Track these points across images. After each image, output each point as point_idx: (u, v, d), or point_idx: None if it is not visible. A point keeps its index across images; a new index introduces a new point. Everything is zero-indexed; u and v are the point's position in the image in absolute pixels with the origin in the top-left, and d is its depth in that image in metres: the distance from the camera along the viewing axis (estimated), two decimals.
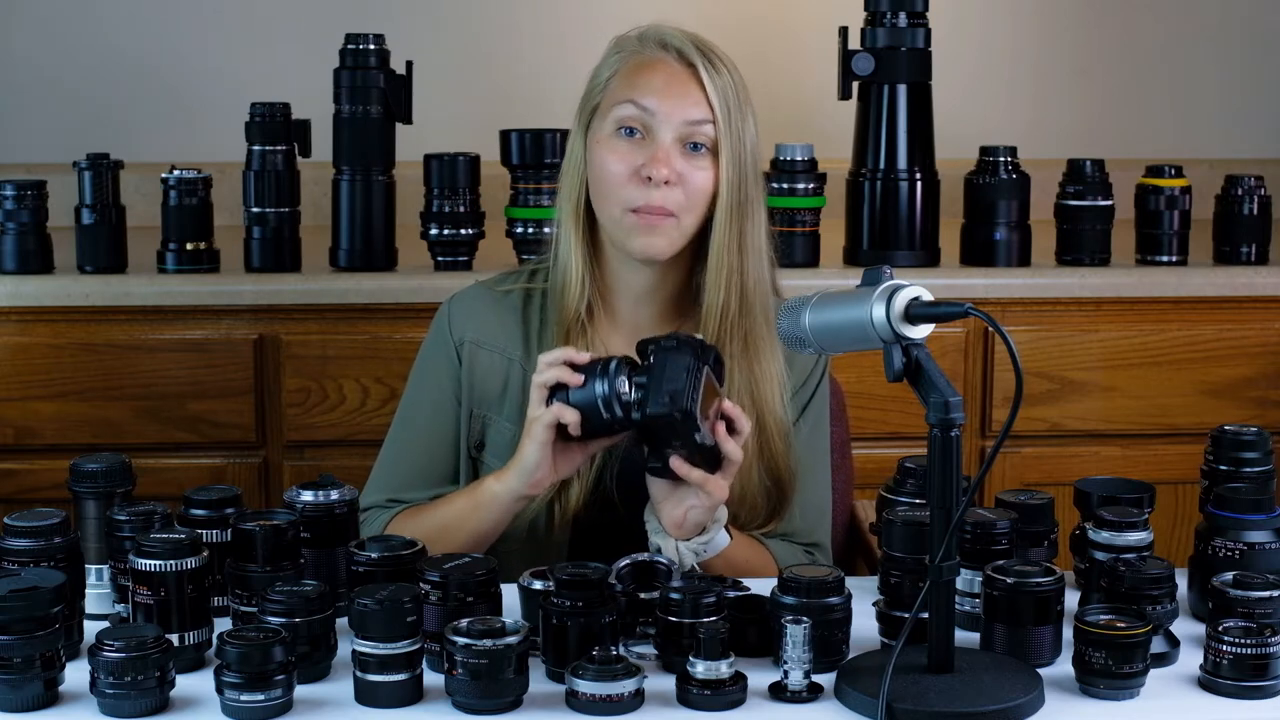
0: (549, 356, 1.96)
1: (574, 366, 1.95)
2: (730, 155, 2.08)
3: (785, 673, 1.69)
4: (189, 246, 2.96)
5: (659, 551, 1.98)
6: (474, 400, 2.19)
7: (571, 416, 1.93)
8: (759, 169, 2.13)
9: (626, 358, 1.95)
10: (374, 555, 1.82)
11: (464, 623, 1.66)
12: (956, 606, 1.73)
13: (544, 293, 2.21)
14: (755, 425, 2.10)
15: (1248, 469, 2.00)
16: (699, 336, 1.95)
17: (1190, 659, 1.79)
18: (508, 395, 2.17)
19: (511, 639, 1.64)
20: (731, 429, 1.94)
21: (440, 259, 3.01)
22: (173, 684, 1.66)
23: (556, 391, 1.95)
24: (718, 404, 1.94)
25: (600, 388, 1.92)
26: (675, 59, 2.10)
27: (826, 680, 1.71)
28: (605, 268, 2.18)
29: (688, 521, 1.97)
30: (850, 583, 1.83)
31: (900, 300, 1.67)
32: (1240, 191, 3.09)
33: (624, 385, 1.92)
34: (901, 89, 3.06)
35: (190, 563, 1.74)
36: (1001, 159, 3.08)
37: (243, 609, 1.79)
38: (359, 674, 1.67)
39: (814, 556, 2.18)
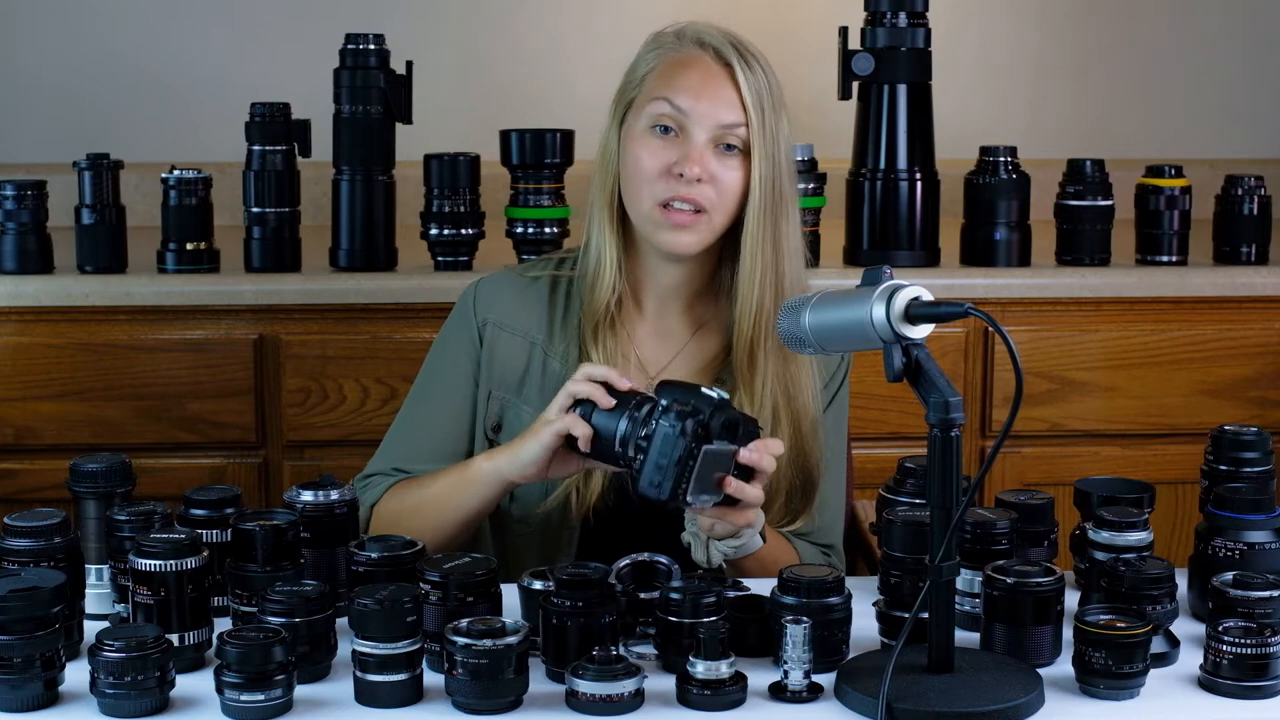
0: (593, 370, 1.95)
1: (611, 391, 1.93)
2: (763, 154, 2.09)
3: (785, 673, 1.69)
4: (189, 246, 2.95)
5: (690, 548, 1.99)
6: (493, 382, 2.19)
7: (582, 431, 1.92)
8: (793, 168, 2.15)
9: (662, 401, 1.89)
10: (374, 555, 1.82)
11: (464, 623, 1.66)
12: (956, 606, 1.73)
13: (571, 281, 2.22)
14: (791, 426, 2.13)
15: (1248, 469, 2.00)
16: (716, 395, 1.87)
17: (1190, 659, 1.79)
18: (528, 379, 2.18)
19: (511, 639, 1.64)
20: (753, 475, 1.91)
21: (440, 259, 3.01)
22: (173, 684, 1.66)
23: (583, 404, 1.94)
24: (733, 455, 1.88)
25: (624, 425, 1.89)
26: (712, 57, 2.11)
27: (826, 680, 1.71)
28: (635, 261, 2.19)
29: (715, 529, 1.97)
30: (850, 583, 1.83)
31: (900, 300, 1.67)
32: (1240, 191, 3.09)
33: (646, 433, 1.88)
34: (901, 89, 3.05)
35: (190, 563, 1.74)
36: (1001, 159, 3.08)
37: (243, 609, 1.79)
38: (359, 674, 1.67)
39: (829, 558, 2.19)
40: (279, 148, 2.96)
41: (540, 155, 2.98)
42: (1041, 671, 1.73)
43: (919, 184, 3.08)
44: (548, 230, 2.98)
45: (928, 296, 1.68)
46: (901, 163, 3.07)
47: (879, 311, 1.67)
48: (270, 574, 1.79)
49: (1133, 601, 1.78)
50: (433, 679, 1.70)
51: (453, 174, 2.99)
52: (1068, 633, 1.78)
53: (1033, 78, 3.82)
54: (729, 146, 2.09)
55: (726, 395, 1.89)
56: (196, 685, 1.71)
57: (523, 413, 2.17)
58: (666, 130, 2.10)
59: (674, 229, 2.09)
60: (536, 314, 2.20)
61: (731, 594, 1.83)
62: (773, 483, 2.05)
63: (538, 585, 1.81)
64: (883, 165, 3.07)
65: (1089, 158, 3.10)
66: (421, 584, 1.74)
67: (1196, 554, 1.93)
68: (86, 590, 1.88)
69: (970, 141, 3.22)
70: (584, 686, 1.65)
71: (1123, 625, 1.71)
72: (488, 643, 1.63)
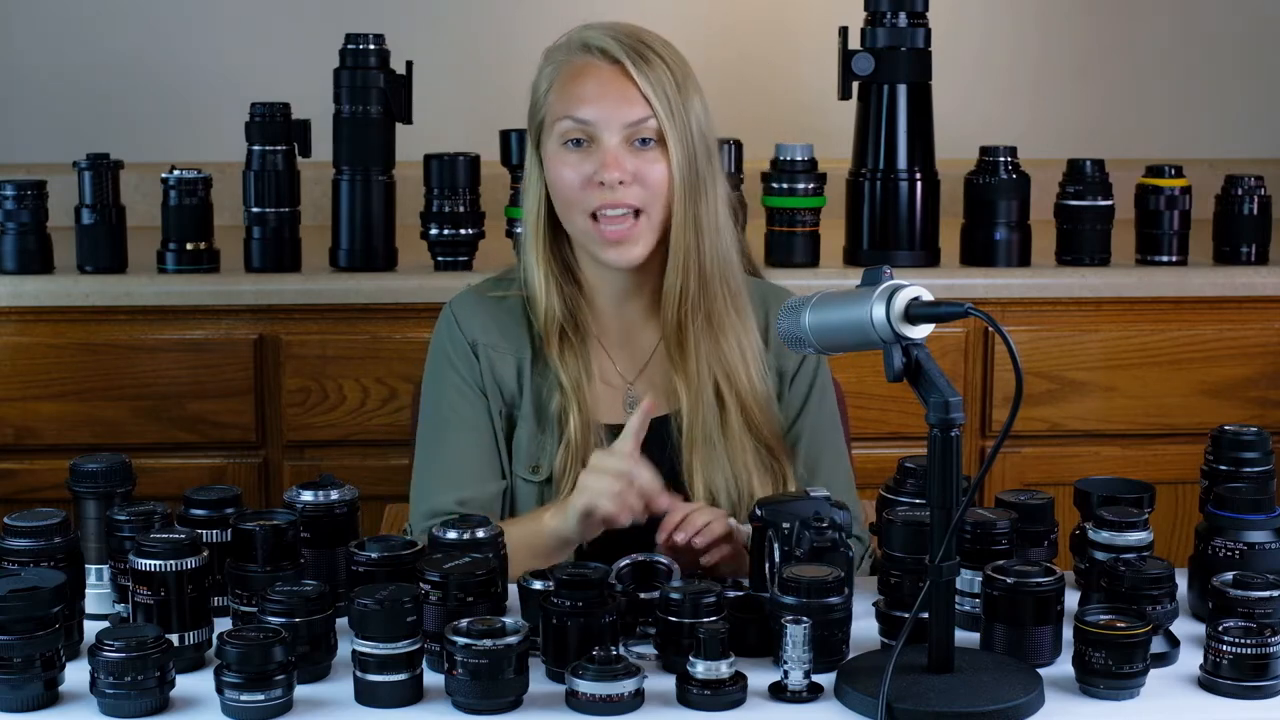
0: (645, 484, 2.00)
1: None
2: (676, 140, 2.09)
3: (785, 673, 1.69)
4: (189, 246, 2.96)
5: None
6: (492, 398, 2.18)
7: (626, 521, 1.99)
8: (711, 145, 2.14)
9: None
10: (374, 555, 1.82)
11: (464, 623, 1.66)
12: (956, 606, 1.73)
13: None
14: (738, 404, 2.13)
15: (1248, 469, 2.00)
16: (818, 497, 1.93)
17: (1190, 659, 1.79)
18: (524, 395, 2.18)
19: (511, 639, 1.64)
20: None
21: (440, 259, 3.01)
22: (173, 684, 1.66)
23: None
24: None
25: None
26: (602, 59, 2.11)
27: (826, 680, 1.71)
28: (581, 274, 2.19)
29: (721, 568, 2.00)
30: None
31: (900, 300, 1.67)
32: (1240, 191, 3.09)
33: None
34: (901, 89, 3.05)
35: (190, 563, 1.74)
36: (1001, 159, 3.08)
37: (243, 609, 1.80)
38: (359, 674, 1.67)
39: (863, 544, 2.20)
40: (279, 148, 2.96)
41: None
42: (1041, 671, 1.73)
43: (919, 184, 3.07)
44: None
45: (928, 296, 1.68)
46: (901, 163, 3.07)
47: (879, 311, 1.67)
48: (270, 574, 1.79)
49: (1133, 601, 1.78)
50: (433, 679, 1.70)
51: (452, 174, 2.99)
52: (1068, 633, 1.78)
53: (1033, 78, 3.82)
54: (644, 141, 2.09)
55: (824, 492, 1.94)
56: (196, 685, 1.71)
57: (522, 427, 2.17)
58: (579, 143, 2.10)
59: (614, 244, 2.09)
60: (517, 333, 2.19)
61: (731, 594, 1.84)
62: (744, 468, 2.13)
63: (538, 585, 1.81)
64: (883, 165, 3.07)
65: (1089, 158, 3.10)
66: (421, 584, 1.74)
67: (1196, 554, 1.93)
68: (86, 590, 1.89)
69: (970, 141, 3.22)
70: (584, 686, 1.65)
71: (1123, 625, 1.71)
72: (488, 643, 1.63)
